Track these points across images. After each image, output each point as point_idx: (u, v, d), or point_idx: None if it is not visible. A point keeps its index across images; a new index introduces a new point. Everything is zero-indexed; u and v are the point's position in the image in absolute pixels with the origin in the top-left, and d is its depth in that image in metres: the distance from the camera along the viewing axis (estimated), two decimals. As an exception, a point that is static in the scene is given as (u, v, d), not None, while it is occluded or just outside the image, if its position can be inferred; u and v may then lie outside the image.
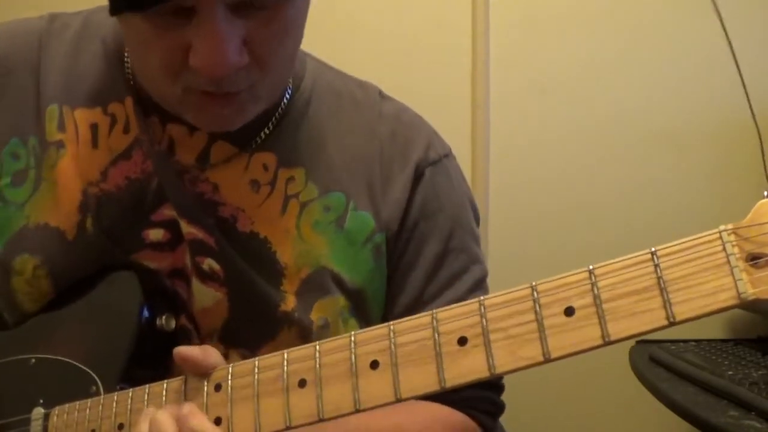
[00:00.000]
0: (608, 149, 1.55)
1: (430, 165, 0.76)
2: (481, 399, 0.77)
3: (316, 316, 0.70)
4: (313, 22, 1.60)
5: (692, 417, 1.00)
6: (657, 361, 1.22)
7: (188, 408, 0.56)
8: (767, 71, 1.49)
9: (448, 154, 0.79)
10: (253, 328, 0.70)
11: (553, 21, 1.56)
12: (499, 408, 0.80)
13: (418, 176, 0.75)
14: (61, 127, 0.71)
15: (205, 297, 0.71)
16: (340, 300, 0.71)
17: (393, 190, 0.74)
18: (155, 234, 0.71)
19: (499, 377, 0.79)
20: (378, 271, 0.73)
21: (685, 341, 1.31)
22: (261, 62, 0.60)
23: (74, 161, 0.71)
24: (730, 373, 1.07)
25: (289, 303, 0.70)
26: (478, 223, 0.82)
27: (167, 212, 0.70)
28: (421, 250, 0.75)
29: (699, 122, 1.51)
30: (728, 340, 1.35)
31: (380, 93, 0.80)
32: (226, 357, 0.63)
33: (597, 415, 1.55)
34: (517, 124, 1.57)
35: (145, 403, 0.61)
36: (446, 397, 0.74)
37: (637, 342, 1.34)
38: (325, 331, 0.70)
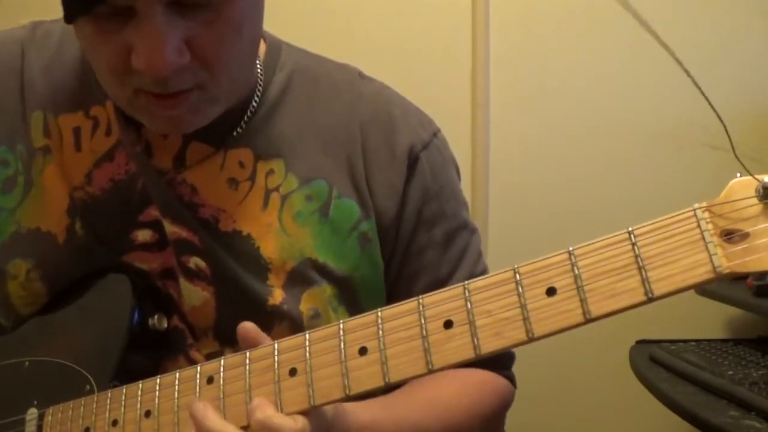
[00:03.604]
0: (608, 150, 1.56)
1: (424, 148, 0.76)
2: (505, 357, 0.81)
3: (305, 308, 0.71)
4: (313, 22, 1.62)
5: (692, 417, 1.00)
6: (657, 361, 1.22)
7: (256, 402, 0.55)
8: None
9: (436, 132, 0.79)
10: None
11: (553, 21, 1.57)
12: (514, 358, 0.84)
13: (412, 161, 0.75)
14: (47, 133, 0.72)
15: (193, 296, 0.71)
16: (327, 289, 0.72)
17: (384, 175, 0.74)
18: (143, 235, 0.71)
19: None
20: (366, 258, 0.73)
21: (685, 341, 1.31)
22: (206, 63, 0.60)
23: (59, 166, 0.72)
24: (730, 373, 1.07)
25: (277, 297, 0.70)
26: (459, 178, 0.83)
27: (154, 213, 0.71)
28: (430, 232, 0.76)
29: (701, 124, 1.51)
30: (728, 340, 1.34)
31: (360, 74, 0.80)
32: (221, 354, 0.64)
33: (597, 415, 1.55)
34: (517, 124, 1.58)
35: (139, 398, 0.62)
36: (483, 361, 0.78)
37: (637, 342, 1.34)
38: (316, 321, 0.71)
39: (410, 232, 0.75)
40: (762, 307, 1.19)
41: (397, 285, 0.76)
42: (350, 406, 0.61)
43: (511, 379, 0.82)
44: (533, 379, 1.57)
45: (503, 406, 0.80)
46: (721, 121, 0.40)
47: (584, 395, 1.55)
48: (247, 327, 0.59)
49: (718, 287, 1.31)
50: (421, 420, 0.69)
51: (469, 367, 0.76)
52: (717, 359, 1.17)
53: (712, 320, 1.51)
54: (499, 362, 0.80)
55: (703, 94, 0.42)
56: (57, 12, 0.80)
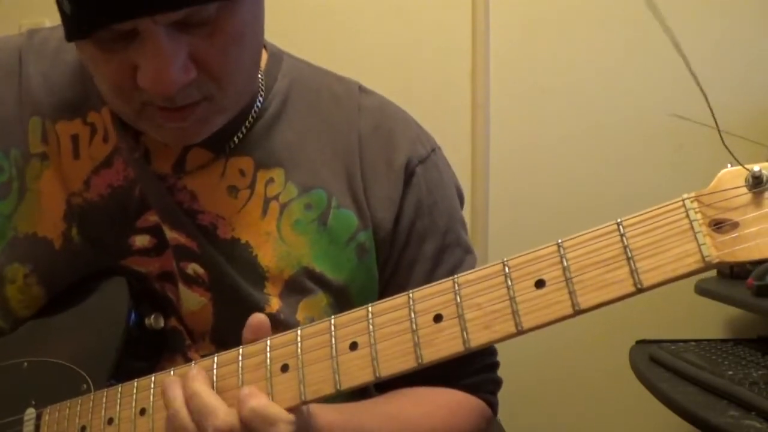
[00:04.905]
0: (608, 149, 1.56)
1: (420, 163, 0.76)
2: (486, 382, 0.80)
3: (301, 316, 0.71)
4: (313, 22, 1.63)
5: (692, 417, 1.00)
6: (657, 361, 1.22)
7: (248, 390, 0.55)
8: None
9: (435, 149, 0.80)
10: (241, 330, 0.71)
11: (553, 21, 1.57)
12: (499, 384, 0.82)
13: (409, 175, 0.75)
14: (44, 140, 0.73)
15: (191, 301, 0.71)
16: (323, 298, 0.72)
17: (381, 187, 0.74)
18: (141, 240, 0.72)
19: (494, 355, 0.82)
20: (362, 268, 0.73)
21: (685, 341, 1.30)
22: (212, 75, 0.61)
23: (57, 172, 0.72)
24: (730, 373, 1.06)
25: (274, 305, 0.70)
26: (462, 205, 0.83)
27: (152, 218, 0.71)
28: (421, 247, 0.75)
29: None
30: (728, 340, 1.34)
31: (360, 87, 0.80)
32: None
33: (597, 415, 1.55)
34: (517, 124, 1.58)
35: (134, 397, 0.62)
36: (459, 383, 0.77)
37: (637, 342, 1.34)
38: None
39: (402, 246, 0.75)
40: (762, 307, 1.19)
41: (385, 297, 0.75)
42: (312, 408, 0.60)
43: (492, 405, 0.80)
44: (534, 379, 1.57)
45: (476, 430, 0.78)
46: (711, 109, 0.40)
47: (584, 395, 1.55)
48: (261, 319, 0.58)
49: (718, 287, 1.30)
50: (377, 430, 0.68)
51: (453, 387, 0.76)
52: (717, 359, 1.17)
53: (712, 320, 1.50)
54: (482, 386, 0.79)
55: (700, 87, 0.42)
56: (57, 13, 0.80)
